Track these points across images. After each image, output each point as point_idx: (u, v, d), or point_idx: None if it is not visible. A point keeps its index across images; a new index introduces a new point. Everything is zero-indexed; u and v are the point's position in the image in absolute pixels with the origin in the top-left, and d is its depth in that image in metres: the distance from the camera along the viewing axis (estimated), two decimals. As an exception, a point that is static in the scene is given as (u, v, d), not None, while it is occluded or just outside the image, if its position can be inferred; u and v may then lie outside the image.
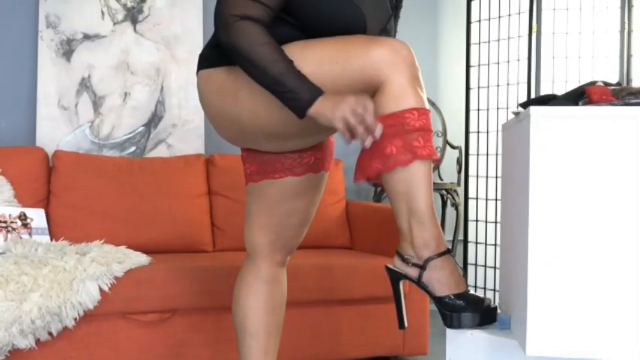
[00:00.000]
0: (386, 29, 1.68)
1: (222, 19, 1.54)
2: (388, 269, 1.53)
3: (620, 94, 1.36)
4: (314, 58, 1.51)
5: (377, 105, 1.45)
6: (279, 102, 1.53)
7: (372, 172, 1.47)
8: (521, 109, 1.51)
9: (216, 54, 1.66)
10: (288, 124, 1.59)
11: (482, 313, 1.43)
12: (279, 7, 1.55)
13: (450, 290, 1.44)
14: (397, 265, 1.51)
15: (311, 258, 2.68)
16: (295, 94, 1.47)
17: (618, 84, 1.47)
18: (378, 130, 1.42)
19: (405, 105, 1.44)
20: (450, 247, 1.49)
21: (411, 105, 1.44)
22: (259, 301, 1.84)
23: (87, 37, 3.22)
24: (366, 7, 1.60)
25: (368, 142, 1.43)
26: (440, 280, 1.44)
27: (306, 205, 1.85)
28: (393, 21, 1.75)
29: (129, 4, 3.30)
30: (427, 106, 1.49)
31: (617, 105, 1.32)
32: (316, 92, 1.47)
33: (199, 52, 3.42)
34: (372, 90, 1.48)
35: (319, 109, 1.46)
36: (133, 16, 3.30)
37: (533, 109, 1.30)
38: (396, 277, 1.52)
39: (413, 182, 1.44)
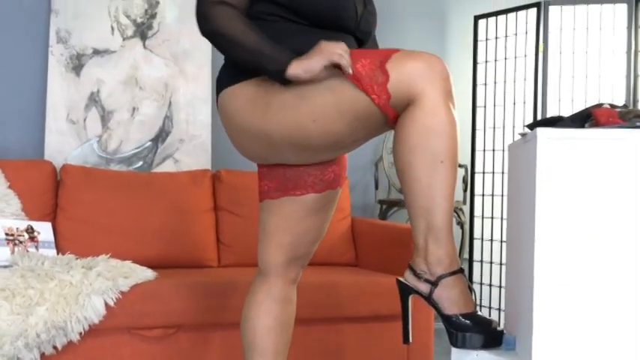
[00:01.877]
0: (364, 3, 1.74)
1: (200, 10, 1.63)
2: (399, 282, 1.53)
3: (627, 117, 1.37)
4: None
5: (408, 117, 1.47)
6: (310, 115, 1.55)
7: None
8: (527, 129, 1.52)
9: (239, 70, 1.67)
10: (318, 137, 1.59)
11: (488, 335, 1.43)
12: None
13: (458, 309, 1.44)
14: (409, 279, 1.51)
15: (316, 275, 2.68)
16: (272, 58, 1.55)
17: (625, 106, 1.47)
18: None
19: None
20: (462, 267, 1.48)
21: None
22: (269, 321, 1.83)
23: (96, 52, 3.24)
24: None
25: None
26: (450, 298, 1.44)
27: (322, 221, 1.86)
28: None
29: (138, 20, 3.33)
30: (457, 121, 1.48)
31: (624, 127, 1.32)
32: (292, 55, 1.54)
33: (208, 67, 3.47)
34: (405, 102, 1.48)
35: (299, 64, 1.52)
36: (143, 31, 3.33)
37: (540, 130, 1.30)
38: (406, 291, 1.52)
39: (435, 199, 1.45)
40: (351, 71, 1.49)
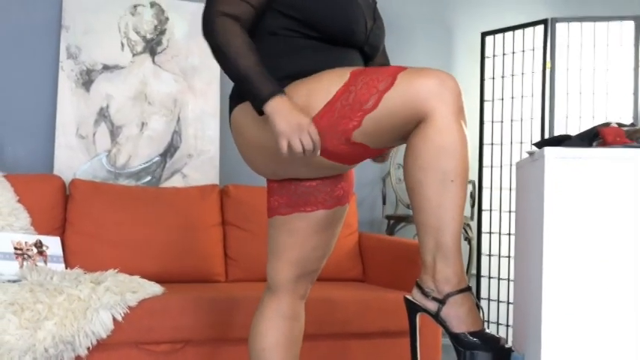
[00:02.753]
0: (373, 18, 1.76)
1: (206, 16, 1.64)
2: (407, 300, 1.53)
3: (634, 136, 1.37)
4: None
5: (420, 135, 1.46)
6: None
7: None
8: (535, 148, 1.52)
9: None
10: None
11: (496, 353, 1.43)
12: (262, 7, 1.66)
13: (466, 327, 1.44)
14: (416, 297, 1.51)
15: (323, 291, 2.68)
16: (256, 89, 1.55)
17: (632, 125, 1.48)
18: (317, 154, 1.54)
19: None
20: (469, 285, 1.48)
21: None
22: (278, 337, 1.82)
23: (106, 67, 3.27)
24: (365, 10, 1.73)
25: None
26: (458, 316, 1.44)
27: (331, 237, 1.86)
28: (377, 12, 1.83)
29: (148, 36, 3.36)
30: (468, 139, 1.47)
31: (631, 147, 1.33)
32: (275, 91, 1.55)
33: (216, 83, 3.50)
34: (416, 119, 1.47)
35: (274, 110, 1.53)
36: (152, 47, 3.35)
37: (547, 149, 1.31)
38: (413, 309, 1.52)
39: (445, 218, 1.44)
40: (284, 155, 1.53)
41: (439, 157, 1.44)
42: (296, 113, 1.52)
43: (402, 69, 1.52)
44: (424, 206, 1.46)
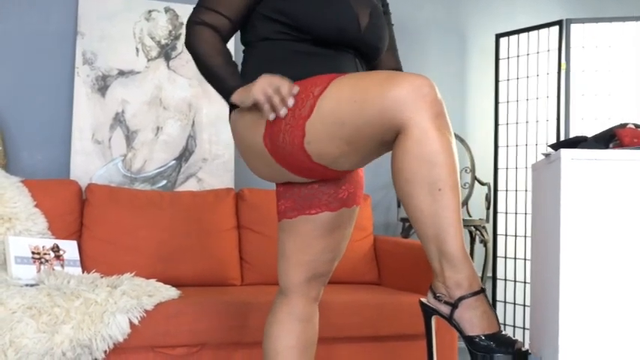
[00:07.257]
0: (369, 15, 1.76)
1: (186, 24, 1.76)
2: (422, 304, 1.53)
3: (651, 137, 1.36)
4: (331, 95, 1.51)
5: (400, 147, 1.43)
6: (304, 137, 1.57)
7: None
8: (551, 150, 1.52)
9: None
10: (314, 159, 1.59)
11: (513, 356, 1.42)
12: (239, 18, 1.76)
13: (481, 330, 1.42)
14: (430, 301, 1.50)
15: (339, 294, 2.68)
16: (224, 83, 1.67)
17: (649, 126, 1.46)
18: (291, 101, 1.54)
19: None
20: (483, 287, 1.47)
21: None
22: (292, 341, 1.82)
23: (121, 73, 3.29)
24: (359, 8, 1.74)
25: (283, 111, 1.54)
26: (471, 319, 1.43)
27: (340, 239, 1.85)
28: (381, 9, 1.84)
29: (163, 41, 3.37)
30: (454, 146, 1.44)
31: (648, 148, 1.32)
32: (239, 83, 1.66)
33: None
34: (394, 130, 1.43)
35: (241, 93, 1.63)
36: (167, 52, 3.37)
37: (564, 151, 1.30)
38: (428, 312, 1.52)
39: (442, 226, 1.41)
40: (271, 118, 1.56)
41: (421, 168, 1.40)
42: (251, 85, 1.59)
43: (338, 76, 1.55)
44: (418, 217, 1.43)
